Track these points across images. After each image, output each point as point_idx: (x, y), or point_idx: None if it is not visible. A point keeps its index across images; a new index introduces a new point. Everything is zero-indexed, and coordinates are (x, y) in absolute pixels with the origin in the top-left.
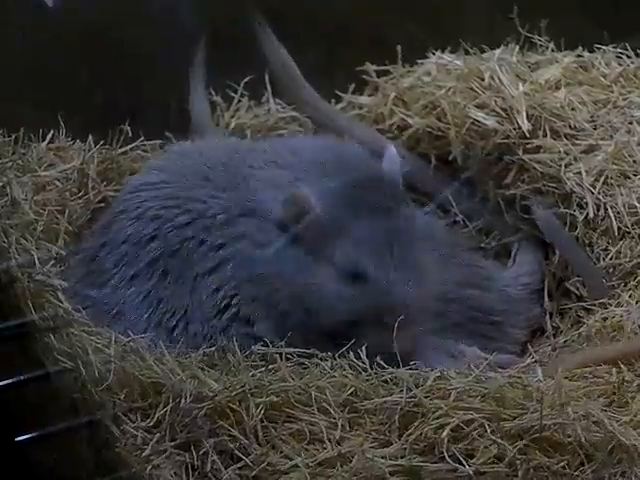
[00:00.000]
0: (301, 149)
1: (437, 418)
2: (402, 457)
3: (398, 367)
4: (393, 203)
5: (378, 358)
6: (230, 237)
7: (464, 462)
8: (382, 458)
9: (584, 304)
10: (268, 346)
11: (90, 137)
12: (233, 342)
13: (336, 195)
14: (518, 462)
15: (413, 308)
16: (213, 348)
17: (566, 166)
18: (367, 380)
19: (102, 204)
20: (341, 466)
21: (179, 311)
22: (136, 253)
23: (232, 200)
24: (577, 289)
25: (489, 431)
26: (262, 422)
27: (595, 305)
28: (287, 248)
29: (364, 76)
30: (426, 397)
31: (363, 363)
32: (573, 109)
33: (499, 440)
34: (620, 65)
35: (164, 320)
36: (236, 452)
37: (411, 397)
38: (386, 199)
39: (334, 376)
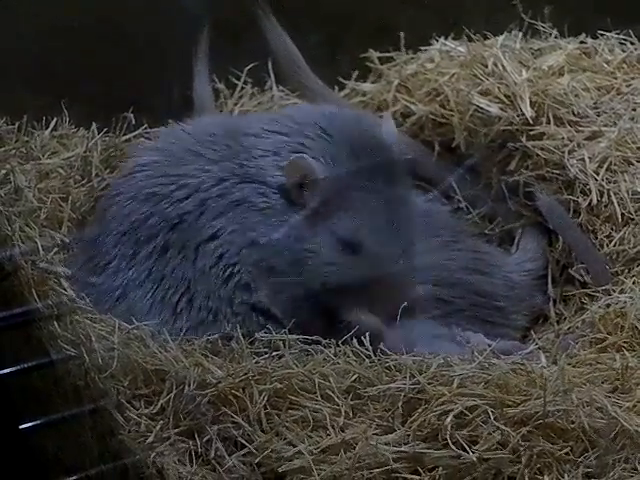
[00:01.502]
0: (301, 116)
1: (440, 405)
2: (406, 444)
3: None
4: (394, 172)
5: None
6: (227, 205)
7: (467, 448)
8: (386, 445)
9: (588, 291)
10: (271, 332)
11: (93, 125)
12: (236, 316)
13: (339, 162)
14: (521, 448)
15: (406, 282)
16: (216, 335)
17: (569, 153)
18: (371, 367)
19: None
20: (345, 453)
21: (182, 285)
22: (134, 232)
23: (227, 170)
24: (581, 276)
25: (492, 418)
26: (266, 409)
27: (599, 292)
28: (288, 213)
29: (367, 63)
30: (429, 384)
31: (367, 350)
32: (576, 96)
33: (502, 426)
34: (623, 52)
35: (167, 296)
36: (240, 439)
37: (414, 384)
38: (388, 169)
39: (338, 363)
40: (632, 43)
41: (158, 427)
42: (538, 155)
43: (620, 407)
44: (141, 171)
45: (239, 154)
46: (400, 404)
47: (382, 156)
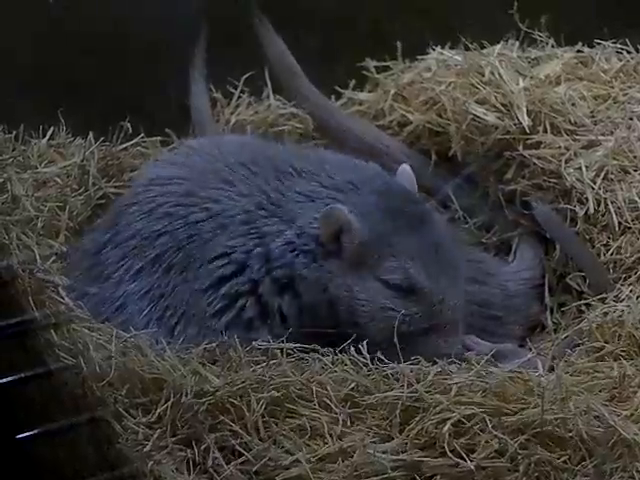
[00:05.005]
0: (329, 165)
1: (438, 413)
2: (403, 452)
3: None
4: (426, 213)
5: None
6: (249, 232)
7: (465, 457)
8: (383, 453)
9: (585, 300)
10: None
11: (90, 134)
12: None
13: (373, 210)
14: (519, 457)
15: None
16: (214, 344)
17: (566, 162)
18: (368, 375)
19: (102, 200)
20: (342, 461)
21: (180, 308)
22: (144, 248)
23: (256, 204)
24: (577, 284)
25: (490, 426)
26: (263, 417)
27: (595, 300)
28: (325, 261)
29: (364, 72)
30: (427, 392)
31: (364, 358)
32: (573, 104)
33: (500, 435)
34: (620, 60)
35: (165, 317)
36: (237, 447)
37: (412, 392)
38: (419, 211)
39: (335, 371)
40: (629, 52)
41: (156, 436)
42: (535, 164)
43: (618, 415)
44: (161, 185)
45: (272, 192)
46: (398, 412)
47: (411, 200)
